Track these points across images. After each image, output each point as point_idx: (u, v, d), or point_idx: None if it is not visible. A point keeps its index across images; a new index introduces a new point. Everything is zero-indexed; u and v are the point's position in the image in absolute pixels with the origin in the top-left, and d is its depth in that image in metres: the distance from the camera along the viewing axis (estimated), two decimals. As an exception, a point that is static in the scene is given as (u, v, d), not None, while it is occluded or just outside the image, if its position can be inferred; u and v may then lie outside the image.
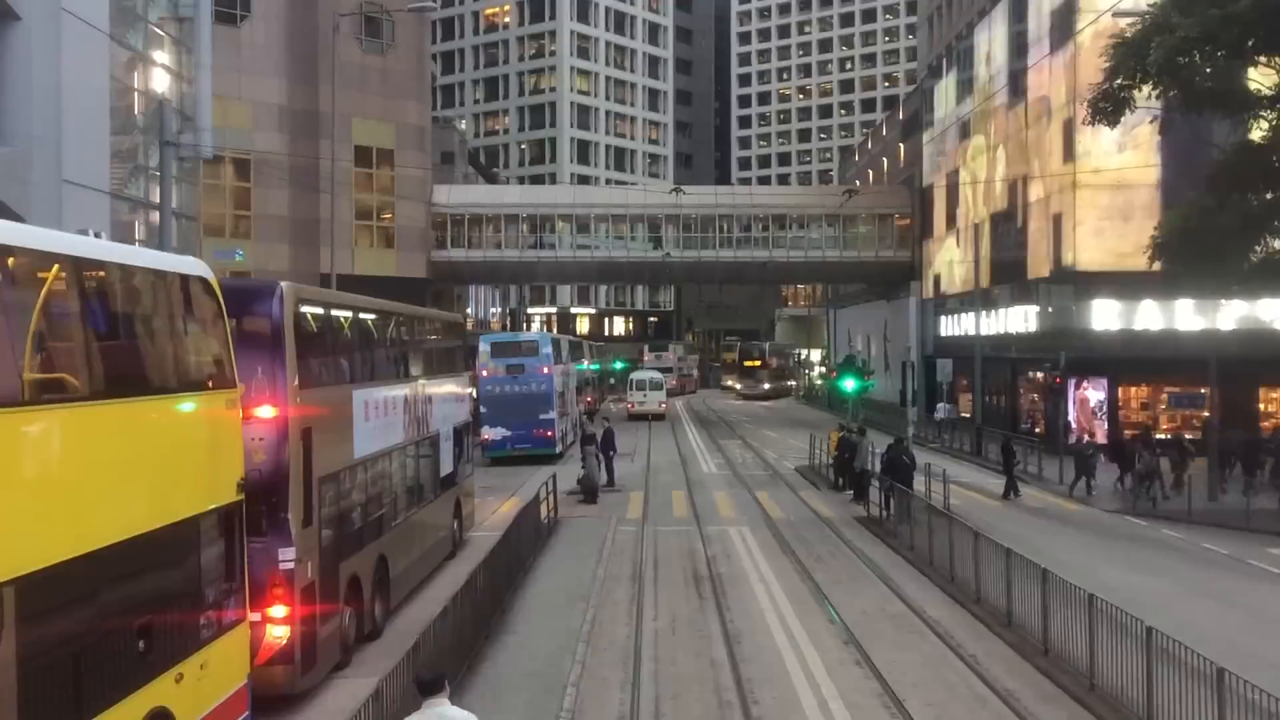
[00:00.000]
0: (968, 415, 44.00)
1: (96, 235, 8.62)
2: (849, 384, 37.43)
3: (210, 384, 9.74)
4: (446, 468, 19.59)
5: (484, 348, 37.43)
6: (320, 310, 13.87)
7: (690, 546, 21.43)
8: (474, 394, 31.23)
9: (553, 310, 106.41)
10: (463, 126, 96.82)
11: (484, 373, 36.23)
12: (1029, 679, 12.87)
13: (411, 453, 17.26)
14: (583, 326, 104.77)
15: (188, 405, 9.35)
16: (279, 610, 11.50)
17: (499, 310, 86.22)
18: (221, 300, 10.14)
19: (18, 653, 6.47)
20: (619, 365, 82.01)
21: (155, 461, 8.69)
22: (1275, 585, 18.96)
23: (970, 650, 14.03)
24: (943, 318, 53.68)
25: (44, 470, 7.24)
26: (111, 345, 8.23)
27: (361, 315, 15.97)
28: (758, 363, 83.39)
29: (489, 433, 35.73)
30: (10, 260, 6.98)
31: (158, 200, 25.79)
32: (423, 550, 17.80)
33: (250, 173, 46.46)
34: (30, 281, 7.17)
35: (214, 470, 9.69)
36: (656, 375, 62.57)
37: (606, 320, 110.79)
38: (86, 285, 7.94)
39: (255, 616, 10.94)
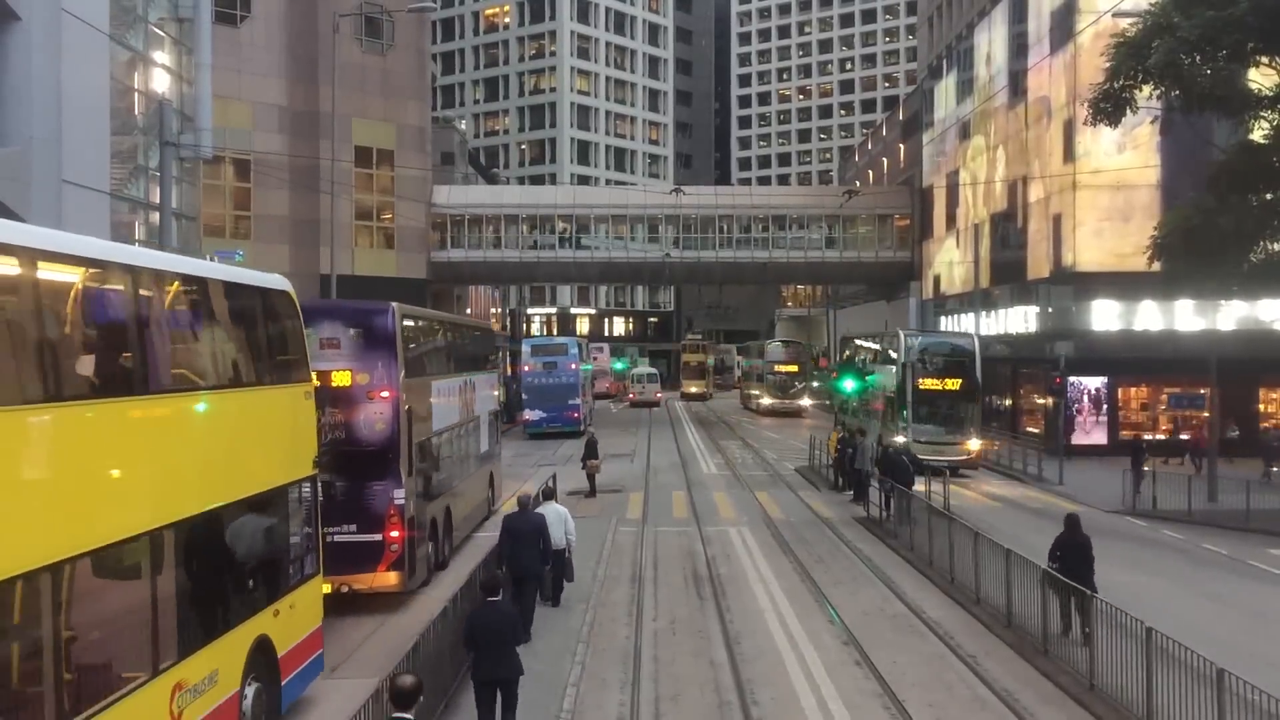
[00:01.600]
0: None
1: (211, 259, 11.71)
2: (849, 384, 37.44)
3: (292, 378, 11.82)
4: (485, 446, 24.19)
5: (526, 349, 47.51)
6: (413, 322, 18.30)
7: (690, 547, 21.44)
8: (503, 387, 37.55)
9: (552, 310, 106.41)
10: (463, 127, 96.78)
11: (526, 368, 45.60)
12: (1029, 679, 12.88)
13: (463, 431, 21.48)
14: (582, 327, 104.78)
15: (276, 395, 11.39)
16: (395, 532, 15.84)
17: (499, 311, 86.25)
18: (299, 310, 12.29)
19: (175, 578, 8.70)
20: (619, 365, 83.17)
21: (254, 439, 10.77)
22: (1275, 585, 18.97)
23: (970, 650, 14.04)
24: (943, 318, 53.69)
25: (184, 440, 9.37)
26: (222, 346, 10.52)
27: (434, 324, 21.35)
28: (794, 368, 62.71)
29: (529, 414, 44.21)
30: (169, 285, 9.37)
31: (158, 200, 25.80)
32: (470, 508, 22.19)
33: (250, 173, 46.43)
34: (165, 297, 9.27)
35: (296, 448, 11.79)
36: (653, 371, 73.90)
37: (606, 321, 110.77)
38: (203, 298, 10.17)
39: (377, 537, 15.73)
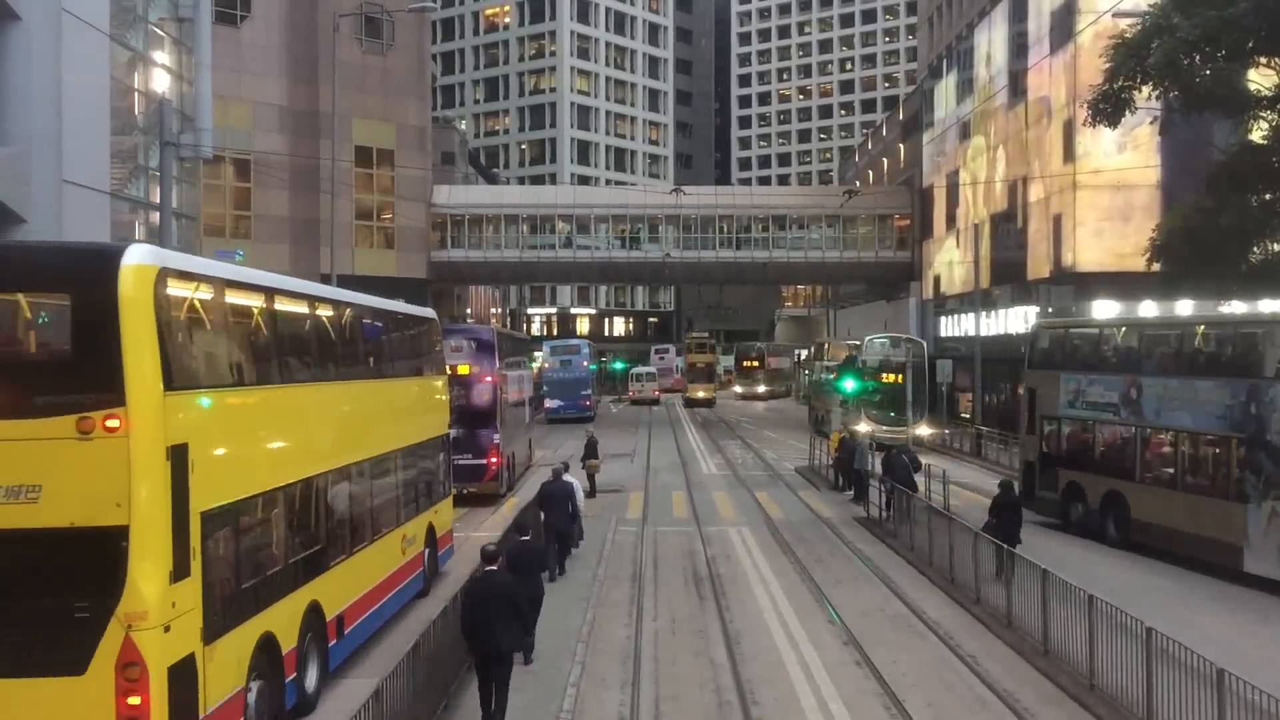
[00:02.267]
0: (967, 416, 44.01)
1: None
2: (849, 384, 37.43)
3: (437, 372, 19.09)
4: (527, 418, 34.77)
5: (545, 349, 58.00)
6: (502, 331, 32.21)
7: (690, 547, 21.43)
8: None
9: (553, 311, 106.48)
10: (463, 126, 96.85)
11: (545, 365, 54.84)
12: (1029, 679, 12.88)
13: (520, 404, 32.26)
14: (582, 327, 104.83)
15: (429, 382, 18.42)
16: (494, 458, 26.47)
17: (499, 310, 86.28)
18: (439, 328, 20.05)
19: (398, 479, 15.55)
20: (619, 365, 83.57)
21: (421, 407, 17.69)
22: (1276, 585, 18.93)
23: (970, 650, 14.04)
24: (943, 318, 53.69)
25: (395, 404, 16.13)
26: (402, 351, 17.11)
27: (511, 335, 36.36)
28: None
29: (549, 403, 51.83)
30: (382, 317, 16.22)
31: (158, 200, 25.80)
32: (522, 458, 32.16)
33: (250, 173, 46.47)
34: (379, 324, 16.05)
35: (438, 415, 18.77)
36: (652, 370, 78.09)
37: (606, 321, 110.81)
38: (393, 323, 16.92)
39: (484, 461, 26.15)
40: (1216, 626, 14.79)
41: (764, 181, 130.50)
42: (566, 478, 18.98)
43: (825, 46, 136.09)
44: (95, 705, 8.05)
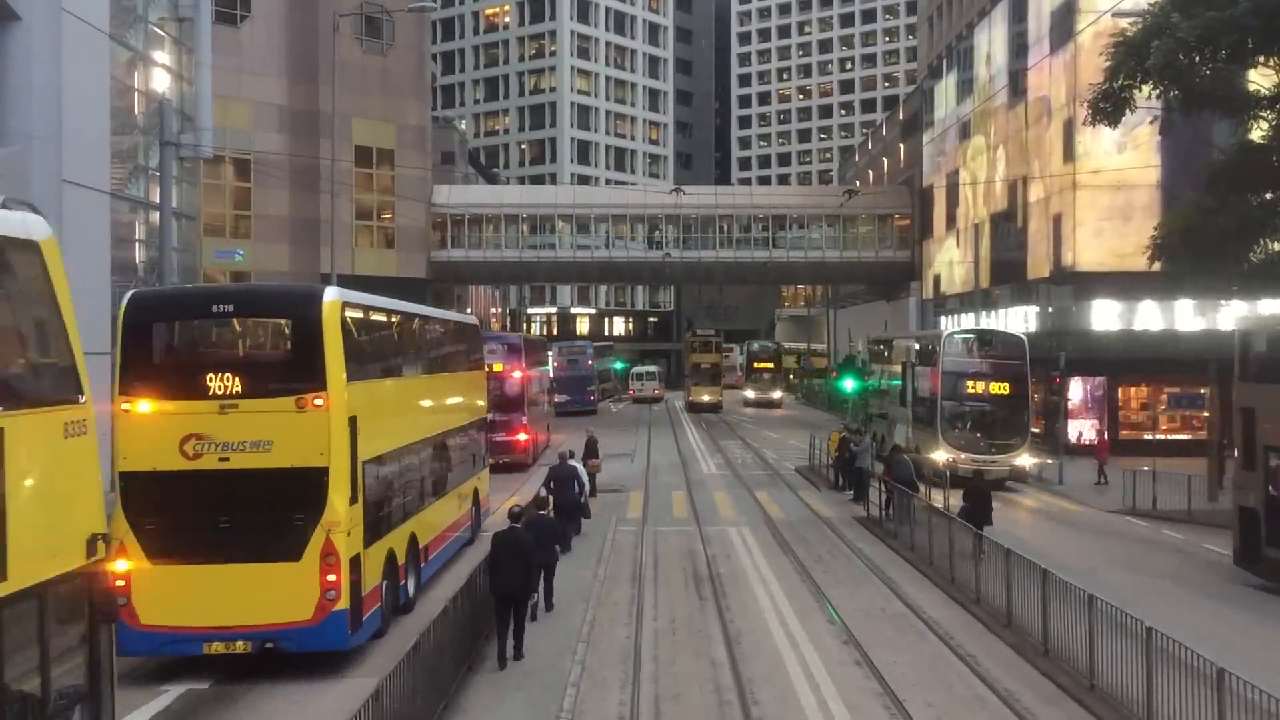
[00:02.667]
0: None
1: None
2: (849, 384, 37.43)
3: (479, 367, 23.39)
4: (545, 407, 41.74)
5: (554, 349, 59.43)
6: (526, 337, 39.89)
7: (690, 546, 21.43)
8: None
9: (553, 310, 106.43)
10: (463, 126, 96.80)
11: (555, 364, 56.12)
12: (1029, 679, 12.88)
13: (540, 395, 38.92)
14: (582, 327, 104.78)
15: (476, 376, 22.82)
16: (522, 435, 33.10)
17: (499, 310, 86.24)
18: (480, 332, 25.30)
19: (460, 446, 20.03)
20: (619, 365, 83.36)
21: (462, 397, 21.01)
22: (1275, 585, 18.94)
23: (970, 650, 14.04)
24: (943, 318, 53.70)
25: (459, 392, 20.89)
26: (460, 350, 21.45)
27: (536, 339, 49.29)
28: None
29: (559, 397, 53.57)
30: (445, 326, 21.26)
31: (158, 200, 25.80)
32: (542, 438, 38.21)
33: (250, 173, 46.45)
34: (440, 331, 20.51)
35: (482, 402, 23.36)
36: (653, 369, 77.14)
37: (606, 320, 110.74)
38: (450, 329, 21.40)
39: (515, 438, 32.83)
40: None
41: (764, 181, 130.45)
42: (571, 462, 21.37)
43: (825, 46, 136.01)
44: (307, 581, 12.35)
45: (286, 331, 13.63)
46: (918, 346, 33.38)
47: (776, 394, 68.84)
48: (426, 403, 18.11)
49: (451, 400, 20.04)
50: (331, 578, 12.38)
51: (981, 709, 11.99)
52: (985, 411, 29.61)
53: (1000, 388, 29.58)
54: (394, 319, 16.49)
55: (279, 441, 12.36)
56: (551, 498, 19.41)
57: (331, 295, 12.98)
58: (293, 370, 12.84)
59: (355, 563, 12.80)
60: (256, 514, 12.35)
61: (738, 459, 38.56)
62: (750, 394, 69.03)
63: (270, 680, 12.57)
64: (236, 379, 12.51)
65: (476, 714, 11.63)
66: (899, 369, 34.31)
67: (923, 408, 30.87)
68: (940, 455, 28.03)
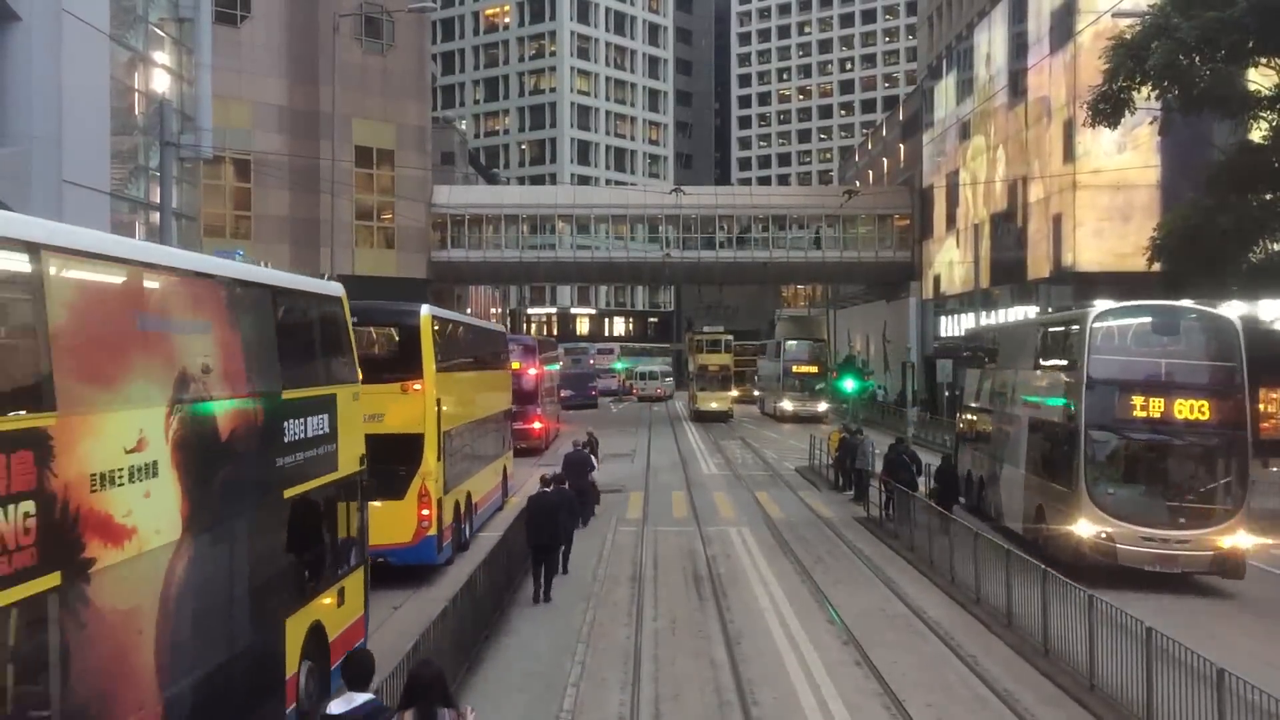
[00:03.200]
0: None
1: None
2: (849, 384, 37.45)
3: (505, 365, 28.79)
4: (556, 400, 46.65)
5: (561, 349, 60.70)
6: (540, 339, 45.77)
7: (690, 547, 21.43)
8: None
9: (553, 310, 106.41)
10: (463, 127, 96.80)
11: (561, 363, 58.38)
12: (1029, 679, 12.88)
13: (552, 390, 43.80)
14: (582, 327, 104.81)
15: (505, 373, 28.28)
16: (537, 424, 38.32)
17: (499, 310, 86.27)
18: (508, 337, 32.80)
19: (492, 431, 24.80)
20: (619, 365, 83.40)
21: (495, 389, 25.90)
22: (1276, 585, 18.96)
23: (970, 651, 14.04)
24: (943, 318, 53.68)
25: (494, 384, 26.38)
26: (496, 350, 27.27)
27: (547, 342, 48.01)
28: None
29: (564, 393, 55.93)
30: (487, 335, 27.73)
31: (158, 200, 25.80)
32: (554, 427, 43.05)
33: (250, 173, 46.47)
34: (481, 339, 25.98)
35: (508, 394, 28.52)
36: (656, 369, 79.83)
37: (606, 321, 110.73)
38: (479, 333, 26.11)
39: (533, 426, 37.72)
40: None
41: (764, 181, 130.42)
42: (583, 450, 24.55)
43: (825, 46, 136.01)
44: (409, 514, 17.37)
45: (395, 337, 18.25)
46: (1052, 331, 21.20)
47: (822, 406, 55.40)
48: (477, 392, 23.00)
49: (491, 392, 25.07)
50: (425, 512, 17.44)
51: (982, 709, 11.99)
52: (1170, 450, 17.97)
53: (1196, 409, 17.89)
54: (460, 328, 22.48)
55: (388, 414, 16.61)
56: (567, 483, 20.01)
57: (426, 310, 18.20)
58: (399, 364, 17.59)
59: (439, 504, 17.80)
60: (379, 468, 14.57)
61: (738, 459, 38.56)
62: (787, 404, 56.27)
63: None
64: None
65: (477, 713, 11.62)
66: (1017, 378, 22.35)
67: (1050, 443, 19.54)
68: (1084, 528, 17.45)
